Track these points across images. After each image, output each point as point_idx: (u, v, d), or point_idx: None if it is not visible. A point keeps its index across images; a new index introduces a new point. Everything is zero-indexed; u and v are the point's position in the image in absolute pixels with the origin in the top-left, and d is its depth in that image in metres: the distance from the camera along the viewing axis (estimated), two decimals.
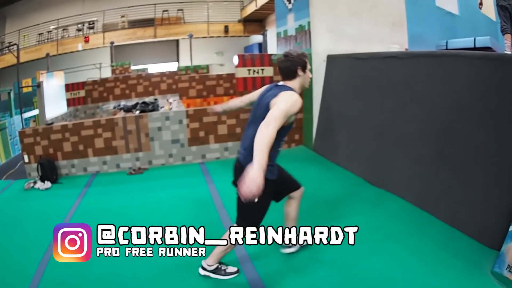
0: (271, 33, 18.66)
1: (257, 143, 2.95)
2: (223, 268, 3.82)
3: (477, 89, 4.33)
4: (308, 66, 3.49)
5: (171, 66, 22.32)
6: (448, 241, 4.14)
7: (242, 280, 3.84)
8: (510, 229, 3.55)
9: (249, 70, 8.20)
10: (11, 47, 18.52)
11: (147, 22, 21.13)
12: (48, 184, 7.74)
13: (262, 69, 8.19)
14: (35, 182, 7.81)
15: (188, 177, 7.38)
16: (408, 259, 3.92)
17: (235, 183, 3.41)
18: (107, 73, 19.65)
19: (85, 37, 21.41)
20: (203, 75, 12.90)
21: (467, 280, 3.47)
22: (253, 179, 2.77)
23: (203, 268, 3.86)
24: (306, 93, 8.11)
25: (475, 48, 7.60)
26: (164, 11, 21.01)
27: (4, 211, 7.10)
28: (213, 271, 3.81)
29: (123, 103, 11.81)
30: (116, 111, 10.91)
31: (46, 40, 22.56)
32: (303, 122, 8.47)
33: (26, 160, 8.42)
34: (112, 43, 20.68)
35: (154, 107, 9.30)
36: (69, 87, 14.27)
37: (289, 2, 8.98)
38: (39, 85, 10.62)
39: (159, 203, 6.19)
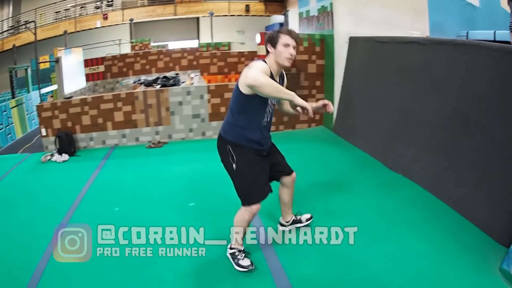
0: (293, 13, 18.46)
1: (261, 88, 3.10)
2: (238, 256, 3.72)
3: (496, 81, 4.27)
4: (281, 42, 3.43)
5: (192, 44, 22.17)
6: (460, 232, 4.09)
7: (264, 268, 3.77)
8: None
9: None
10: (28, 25, 18.60)
11: (167, 0, 21.01)
12: (65, 156, 7.84)
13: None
14: (52, 155, 7.90)
15: (207, 151, 7.15)
16: (419, 246, 3.90)
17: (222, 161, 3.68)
18: (126, 49, 19.75)
19: (104, 15, 21.53)
20: (225, 52, 12.97)
21: (475, 274, 3.45)
22: (300, 102, 3.21)
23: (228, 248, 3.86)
24: (327, 74, 8.15)
25: (494, 41, 7.43)
26: None
27: (21, 183, 7.22)
28: (230, 255, 3.78)
29: (143, 77, 11.95)
30: (136, 85, 10.98)
31: (63, 18, 22.71)
32: None
33: (44, 133, 8.50)
34: (131, 20, 20.76)
35: (175, 82, 9.29)
36: (88, 63, 14.39)
37: None
38: (57, 61, 10.67)
39: (177, 176, 6.23)
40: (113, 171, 6.98)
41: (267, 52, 3.54)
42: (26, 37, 22.67)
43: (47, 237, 4.63)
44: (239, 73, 11.85)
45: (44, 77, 14.78)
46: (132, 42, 19.03)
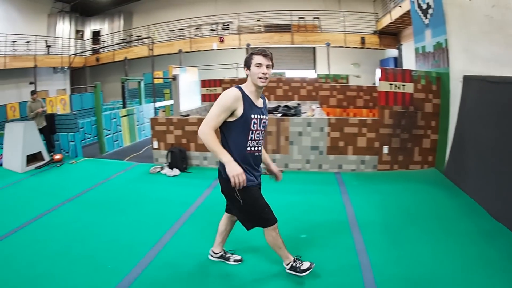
0: (406, 47, 18.23)
1: (203, 140, 3.38)
2: (297, 265, 3.94)
3: None
4: (253, 62, 3.53)
5: (309, 73, 22.53)
6: None
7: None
8: None
9: (391, 84, 7.91)
10: (144, 40, 19.32)
11: (283, 28, 21.37)
12: (176, 171, 8.03)
13: (403, 85, 7.86)
14: (162, 168, 8.17)
15: (323, 185, 7.29)
16: None
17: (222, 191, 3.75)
18: (242, 74, 19.93)
19: (220, 38, 22.10)
20: (344, 85, 12.79)
21: None
22: (228, 171, 3.31)
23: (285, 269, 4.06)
24: (442, 114, 7.77)
25: None
26: (300, 18, 21.10)
27: (126, 189, 7.56)
28: (290, 269, 3.97)
29: None
30: None
31: (177, 37, 23.67)
32: (437, 144, 8.03)
33: (155, 146, 8.81)
34: (248, 45, 21.11)
35: (296, 111, 9.27)
36: (205, 83, 14.88)
37: (426, 17, 8.54)
38: (174, 78, 11.04)
39: (291, 206, 6.13)
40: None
41: (246, 74, 3.64)
42: (138, 51, 24.02)
43: (147, 245, 4.84)
44: (358, 107, 11.64)
45: (156, 91, 15.24)
46: None
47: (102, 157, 11.44)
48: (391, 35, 19.46)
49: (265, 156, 4.03)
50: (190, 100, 12.26)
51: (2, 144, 11.71)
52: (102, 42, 27.71)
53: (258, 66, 3.48)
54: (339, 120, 8.06)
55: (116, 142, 12.81)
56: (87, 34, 29.18)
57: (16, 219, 6.39)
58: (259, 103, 3.67)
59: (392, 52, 20.52)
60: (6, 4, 22.73)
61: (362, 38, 19.74)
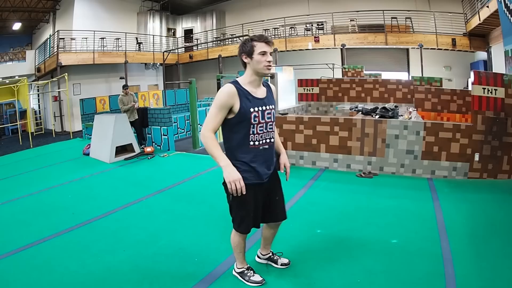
0: (496, 49, 17.36)
1: (203, 144, 3.48)
2: (248, 274, 4.04)
3: None
4: (256, 51, 3.43)
5: (402, 76, 22.36)
6: None
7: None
8: None
9: (484, 88, 7.72)
10: (240, 38, 19.87)
11: (376, 28, 21.29)
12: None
13: (495, 89, 7.61)
14: None
15: (415, 190, 7.33)
16: None
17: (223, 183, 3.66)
18: (337, 74, 20.28)
19: (315, 37, 22.30)
20: (438, 88, 12.67)
21: None
22: (225, 176, 3.37)
23: (234, 270, 4.20)
24: None
25: None
26: (392, 18, 20.96)
27: (220, 185, 7.78)
28: (239, 273, 4.10)
29: (360, 105, 12.09)
30: (353, 112, 11.19)
31: (272, 36, 23.93)
32: None
33: None
34: (343, 45, 21.25)
35: (394, 114, 9.29)
36: (302, 83, 15.15)
37: None
38: (272, 76, 11.36)
39: (383, 210, 6.26)
40: (320, 193, 7.22)
41: (244, 64, 3.55)
42: (233, 49, 24.71)
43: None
44: (451, 112, 11.67)
45: None
46: (344, 68, 19.50)
47: (194, 152, 11.93)
48: (480, 37, 18.81)
49: (278, 144, 3.96)
50: (287, 99, 12.67)
51: (90, 135, 12.54)
52: (195, 40, 28.64)
53: (262, 54, 3.42)
54: (434, 124, 8.03)
55: None
56: (179, 32, 30.32)
57: (102, 206, 6.85)
58: (260, 93, 3.58)
59: (482, 55, 19.82)
60: (94, 3, 24.09)
61: (453, 39, 19.23)
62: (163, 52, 21.51)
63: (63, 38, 21.44)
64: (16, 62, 25.10)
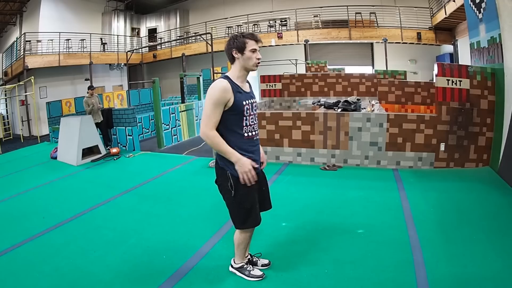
0: (462, 43, 17.75)
1: (207, 141, 3.54)
2: (248, 268, 4.07)
3: None
4: (248, 48, 3.50)
5: (366, 70, 22.52)
6: None
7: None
8: None
9: (448, 80, 7.88)
10: (203, 36, 19.74)
11: (340, 23, 21.39)
12: None
13: (460, 81, 7.80)
14: None
15: (381, 181, 7.38)
16: None
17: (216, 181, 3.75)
18: (300, 70, 20.45)
19: (278, 33, 22.35)
20: (402, 81, 12.67)
21: None
22: (239, 169, 3.41)
23: (231, 265, 4.20)
24: (498, 111, 7.63)
25: None
26: (357, 13, 21.10)
27: (186, 183, 7.91)
28: (237, 269, 4.10)
29: (323, 99, 12.18)
30: (316, 106, 11.23)
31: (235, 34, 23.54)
32: (492, 142, 7.89)
33: None
34: (306, 41, 21.32)
35: (356, 107, 9.34)
36: (265, 79, 15.18)
37: (479, 12, 8.39)
38: None
39: (348, 201, 6.30)
40: (284, 187, 7.19)
41: (232, 59, 3.60)
42: (196, 47, 24.67)
43: (203, 237, 5.08)
44: (416, 104, 11.60)
45: None
46: (308, 63, 19.56)
47: (160, 151, 11.91)
48: (446, 31, 19.12)
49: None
50: None
51: (57, 138, 12.32)
52: (159, 39, 28.50)
53: (253, 51, 3.50)
54: (398, 116, 8.12)
55: (175, 136, 13.30)
56: (143, 32, 30.10)
57: (71, 208, 6.80)
58: (246, 87, 3.71)
59: (448, 48, 20.17)
60: (59, 4, 23.83)
61: (418, 33, 19.46)
62: (127, 52, 21.29)
63: (30, 41, 21.16)
64: None
